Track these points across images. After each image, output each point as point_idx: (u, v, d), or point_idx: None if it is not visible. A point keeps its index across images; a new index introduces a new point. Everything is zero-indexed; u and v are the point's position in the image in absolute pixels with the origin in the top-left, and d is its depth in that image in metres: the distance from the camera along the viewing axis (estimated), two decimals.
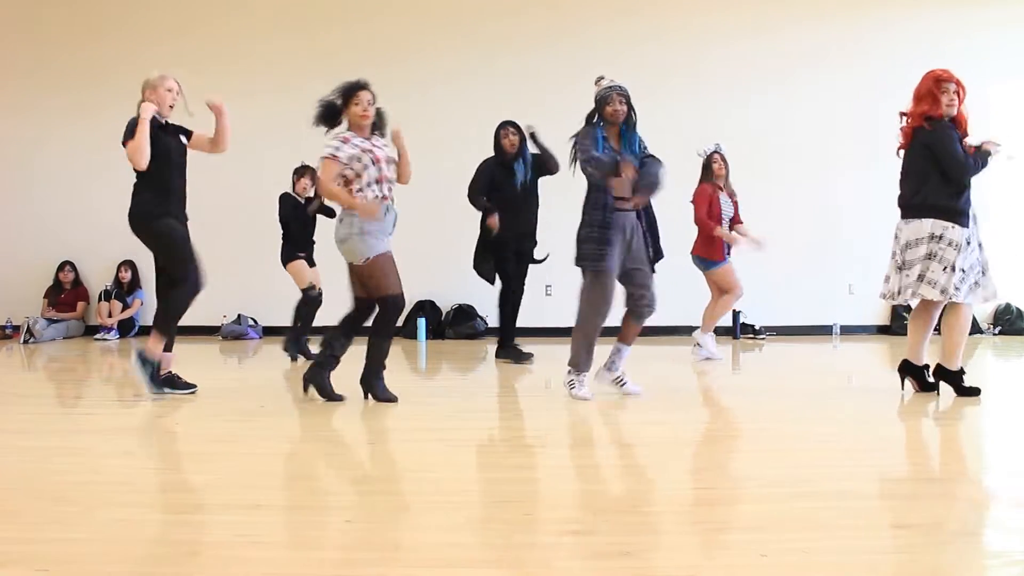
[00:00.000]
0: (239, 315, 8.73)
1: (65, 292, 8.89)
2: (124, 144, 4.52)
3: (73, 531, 2.40)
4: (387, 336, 4.48)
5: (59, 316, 8.73)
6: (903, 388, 4.61)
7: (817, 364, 6.73)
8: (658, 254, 4.55)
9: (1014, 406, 4.61)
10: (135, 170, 4.57)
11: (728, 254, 6.49)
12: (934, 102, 4.41)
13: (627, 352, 4.66)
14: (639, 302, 4.57)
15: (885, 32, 8.94)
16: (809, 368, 6.50)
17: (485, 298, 6.96)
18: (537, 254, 6.48)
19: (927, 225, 4.40)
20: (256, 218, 8.50)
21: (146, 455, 3.54)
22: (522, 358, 6.34)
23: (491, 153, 6.45)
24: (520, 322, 6.75)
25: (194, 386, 4.66)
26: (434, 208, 8.00)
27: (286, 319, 6.94)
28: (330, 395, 4.42)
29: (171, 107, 4.63)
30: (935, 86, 4.44)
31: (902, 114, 4.59)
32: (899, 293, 4.53)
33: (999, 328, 8.77)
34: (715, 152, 6.57)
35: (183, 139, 4.72)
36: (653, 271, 4.54)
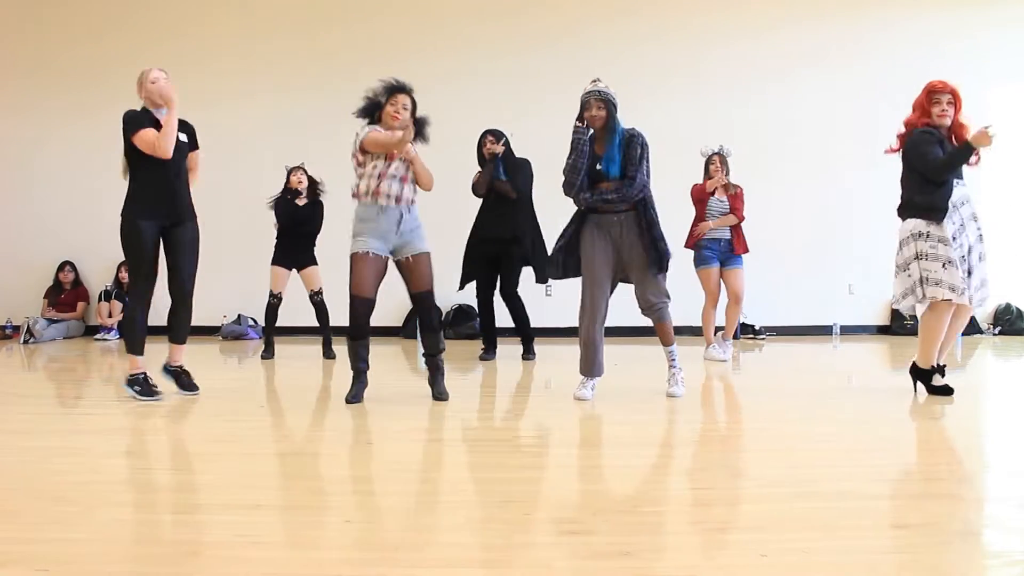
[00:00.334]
0: (239, 315, 8.73)
1: (65, 292, 8.90)
2: (130, 138, 4.44)
3: (73, 531, 2.40)
4: (351, 337, 4.50)
5: (59, 316, 8.74)
6: (915, 391, 4.64)
7: (817, 364, 6.73)
8: (661, 256, 4.50)
9: (1014, 406, 4.61)
10: (129, 169, 4.55)
11: (712, 257, 6.51)
12: (923, 112, 4.51)
13: (668, 352, 4.68)
14: (641, 305, 4.60)
15: (885, 32, 8.95)
16: (809, 368, 6.50)
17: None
18: (532, 265, 6.46)
19: (909, 224, 4.49)
20: (256, 218, 8.50)
21: (146, 455, 3.54)
22: (483, 356, 6.59)
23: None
24: (528, 324, 6.74)
25: (160, 395, 4.61)
26: (434, 208, 7.99)
27: (286, 319, 6.97)
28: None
29: (164, 96, 4.52)
30: (927, 97, 4.52)
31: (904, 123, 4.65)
32: (903, 298, 4.54)
33: (999, 328, 8.77)
34: (715, 154, 6.60)
35: (183, 137, 4.59)
36: (658, 272, 4.53)
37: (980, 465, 3.39)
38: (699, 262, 6.58)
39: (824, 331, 8.71)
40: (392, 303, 8.11)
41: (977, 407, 4.43)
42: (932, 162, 4.40)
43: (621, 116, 4.57)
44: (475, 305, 7.04)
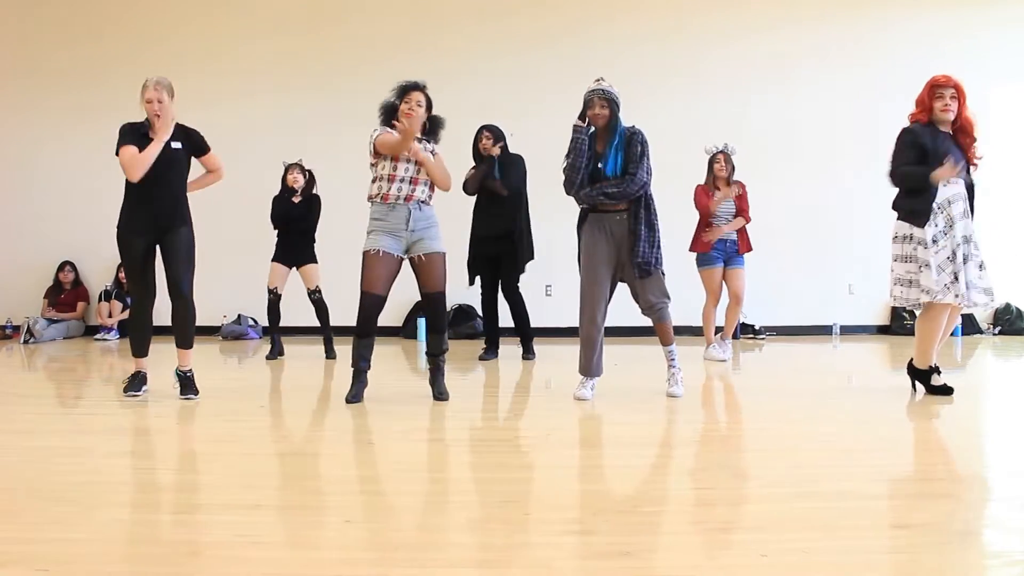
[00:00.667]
0: (239, 315, 8.73)
1: (65, 292, 8.89)
2: (116, 153, 4.53)
3: (73, 531, 2.40)
4: (356, 334, 4.54)
5: (59, 316, 8.73)
6: (914, 390, 4.64)
7: (817, 364, 6.73)
8: (645, 259, 4.47)
9: (1014, 406, 4.61)
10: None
11: (717, 257, 6.52)
12: (925, 108, 4.50)
13: (668, 352, 4.69)
14: (641, 305, 4.63)
15: (885, 32, 8.95)
16: (809, 368, 6.50)
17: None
18: (512, 268, 6.51)
19: (895, 226, 4.55)
20: (256, 218, 8.49)
21: (146, 455, 3.54)
22: (483, 356, 6.61)
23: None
24: (529, 324, 6.76)
25: (138, 395, 4.65)
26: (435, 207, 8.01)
27: (287, 319, 6.97)
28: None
29: (158, 116, 4.53)
30: (929, 92, 4.50)
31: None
32: (891, 295, 4.59)
33: (999, 328, 8.77)
34: (719, 152, 6.60)
35: (176, 145, 4.58)
36: (644, 274, 4.50)
37: (980, 465, 3.39)
38: (703, 262, 6.56)
39: (824, 331, 8.71)
40: (392, 303, 8.04)
41: (977, 407, 4.43)
42: (894, 165, 4.48)
43: (622, 115, 4.57)
44: (476, 305, 7.09)
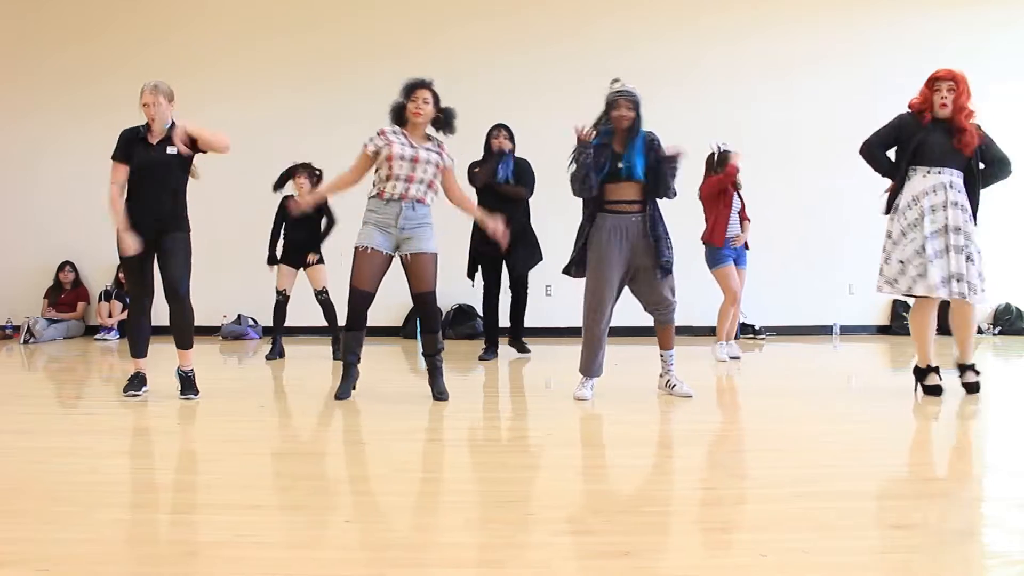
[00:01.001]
0: (239, 315, 8.73)
1: (65, 292, 8.89)
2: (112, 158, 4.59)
3: (73, 531, 2.40)
4: (346, 327, 4.63)
5: (59, 316, 8.73)
6: (915, 391, 4.67)
7: (817, 364, 6.73)
8: (668, 259, 4.55)
9: (1014, 406, 4.61)
10: None
11: (728, 253, 6.52)
12: (924, 100, 4.55)
13: (668, 355, 4.73)
14: (647, 307, 4.64)
15: (885, 32, 8.95)
16: (809, 368, 6.50)
17: (484, 298, 6.98)
18: (519, 265, 6.63)
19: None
20: (255, 218, 8.50)
21: (146, 455, 3.54)
22: (483, 356, 6.65)
23: (478, 156, 6.53)
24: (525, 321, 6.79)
25: (137, 395, 4.66)
26: (434, 208, 8.02)
27: (290, 319, 6.97)
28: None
29: (154, 119, 4.53)
30: (928, 86, 4.55)
31: None
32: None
33: (999, 328, 8.77)
34: (728, 151, 6.60)
35: (172, 150, 4.55)
36: (666, 274, 4.56)
37: (980, 465, 3.39)
38: (718, 260, 6.53)
39: (824, 331, 8.71)
40: (392, 303, 8.12)
41: (977, 407, 4.43)
42: (872, 138, 4.68)
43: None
44: (475, 305, 7.11)
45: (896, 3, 8.99)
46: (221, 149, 4.66)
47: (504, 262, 6.58)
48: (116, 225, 4.54)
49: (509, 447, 3.63)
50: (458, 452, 3.59)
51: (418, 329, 8.13)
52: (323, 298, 6.66)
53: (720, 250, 6.53)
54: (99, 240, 8.66)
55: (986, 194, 4.60)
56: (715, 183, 6.50)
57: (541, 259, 6.70)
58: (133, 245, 4.50)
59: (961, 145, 4.45)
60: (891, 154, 4.68)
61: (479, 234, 6.52)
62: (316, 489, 2.94)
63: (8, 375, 6.30)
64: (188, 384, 4.67)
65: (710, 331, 8.53)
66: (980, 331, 8.74)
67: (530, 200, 6.65)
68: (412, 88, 4.55)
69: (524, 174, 6.52)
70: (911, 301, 4.73)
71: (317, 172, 6.76)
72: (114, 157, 4.59)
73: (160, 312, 4.73)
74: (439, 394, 4.58)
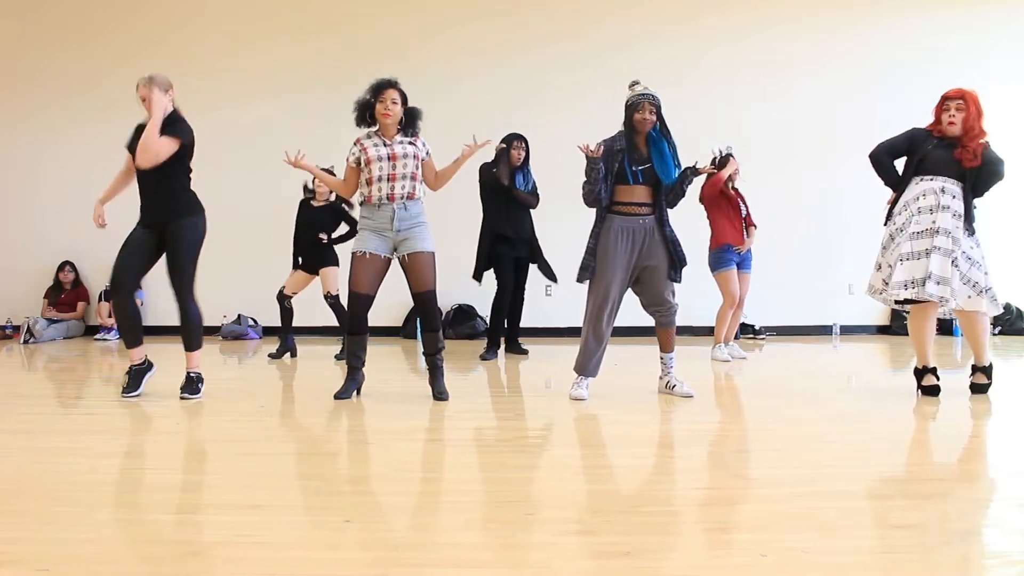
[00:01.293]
0: (239, 315, 8.73)
1: (65, 292, 8.90)
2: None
3: (73, 531, 2.40)
4: (348, 332, 4.69)
5: (59, 316, 8.74)
6: (917, 391, 4.70)
7: (817, 364, 6.73)
8: (682, 260, 4.61)
9: (1014, 406, 4.61)
10: None
11: (732, 257, 6.54)
12: (935, 119, 4.59)
13: (667, 358, 4.75)
14: (648, 308, 4.66)
15: (885, 32, 8.95)
16: (809, 368, 6.50)
17: (485, 298, 7.00)
18: (541, 266, 6.83)
19: None
20: (256, 218, 8.52)
21: (146, 455, 3.54)
22: (485, 355, 6.73)
23: (489, 159, 6.55)
24: (521, 322, 6.82)
25: (133, 394, 4.66)
26: (434, 208, 8.02)
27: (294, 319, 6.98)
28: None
29: (152, 115, 4.52)
30: (938, 104, 4.58)
31: None
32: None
33: (999, 328, 8.77)
34: (730, 156, 6.61)
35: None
36: (673, 278, 4.59)
37: (980, 465, 3.39)
38: (721, 264, 6.55)
39: (824, 331, 8.71)
40: (392, 303, 8.12)
41: (977, 407, 4.43)
42: (883, 145, 4.69)
43: (621, 115, 4.59)
44: (475, 305, 7.12)
45: (896, 3, 8.99)
46: (143, 150, 4.50)
47: (528, 265, 6.72)
48: (152, 123, 4.48)
49: (509, 447, 3.63)
50: (458, 452, 3.59)
51: (418, 328, 8.20)
52: (331, 301, 6.65)
53: (724, 253, 6.54)
54: (99, 240, 8.60)
55: (986, 193, 4.59)
56: (708, 185, 6.53)
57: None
58: (98, 216, 4.64)
59: (960, 157, 4.45)
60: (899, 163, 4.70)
61: (501, 234, 6.54)
62: (316, 489, 2.94)
63: (8, 375, 6.31)
64: (188, 384, 4.67)
65: (710, 331, 8.55)
66: None
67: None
68: (380, 89, 4.56)
69: (535, 191, 6.71)
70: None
71: (334, 174, 6.78)
72: (128, 147, 4.66)
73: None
74: (439, 394, 4.59)
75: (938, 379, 4.63)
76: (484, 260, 6.66)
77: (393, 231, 4.52)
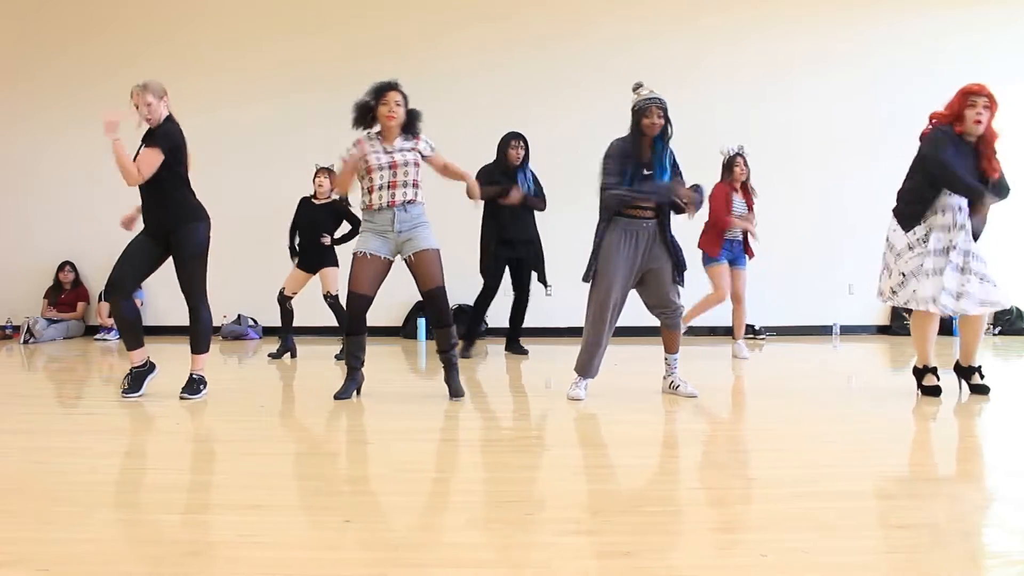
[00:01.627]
0: (239, 315, 8.73)
1: (65, 292, 8.89)
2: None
3: (73, 531, 2.40)
4: (347, 332, 4.66)
5: (59, 316, 8.74)
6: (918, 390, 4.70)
7: (817, 364, 6.73)
8: (683, 264, 4.62)
9: (1014, 406, 4.61)
10: None
11: (723, 255, 6.55)
12: (953, 115, 4.38)
13: (672, 359, 4.74)
14: (653, 310, 4.67)
15: (885, 32, 8.95)
16: (809, 368, 6.50)
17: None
18: (538, 270, 6.79)
19: (888, 225, 4.60)
20: (256, 218, 8.51)
21: (146, 455, 3.54)
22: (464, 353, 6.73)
23: (488, 160, 6.55)
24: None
25: (132, 395, 4.66)
26: (434, 209, 8.02)
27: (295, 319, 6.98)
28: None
29: (148, 119, 4.52)
30: (962, 99, 4.36)
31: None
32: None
33: (999, 328, 8.77)
34: (738, 155, 6.63)
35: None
36: (676, 280, 4.60)
37: (980, 465, 3.39)
38: (711, 259, 6.57)
39: (824, 331, 8.71)
40: (392, 303, 8.12)
41: (977, 407, 4.43)
42: (940, 155, 4.32)
43: (623, 116, 4.59)
44: (472, 304, 7.10)
45: (896, 3, 8.99)
46: (125, 175, 4.50)
47: (525, 267, 6.71)
48: (114, 144, 4.38)
49: (509, 447, 3.63)
50: (458, 452, 3.59)
51: (423, 328, 8.20)
52: (331, 301, 6.65)
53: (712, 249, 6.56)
54: (99, 240, 8.66)
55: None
56: (715, 196, 6.54)
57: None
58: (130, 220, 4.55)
59: (990, 170, 4.36)
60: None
61: (504, 237, 6.54)
62: (316, 489, 2.94)
63: (8, 375, 6.31)
64: (188, 384, 4.67)
65: (709, 331, 8.57)
66: None
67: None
68: (382, 91, 4.52)
69: (540, 186, 6.68)
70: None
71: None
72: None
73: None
74: (455, 393, 4.60)
75: (938, 379, 4.63)
76: (492, 260, 6.63)
77: (395, 232, 4.52)
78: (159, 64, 8.76)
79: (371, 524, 2.53)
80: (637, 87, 4.56)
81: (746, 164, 6.66)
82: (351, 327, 4.60)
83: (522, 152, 6.53)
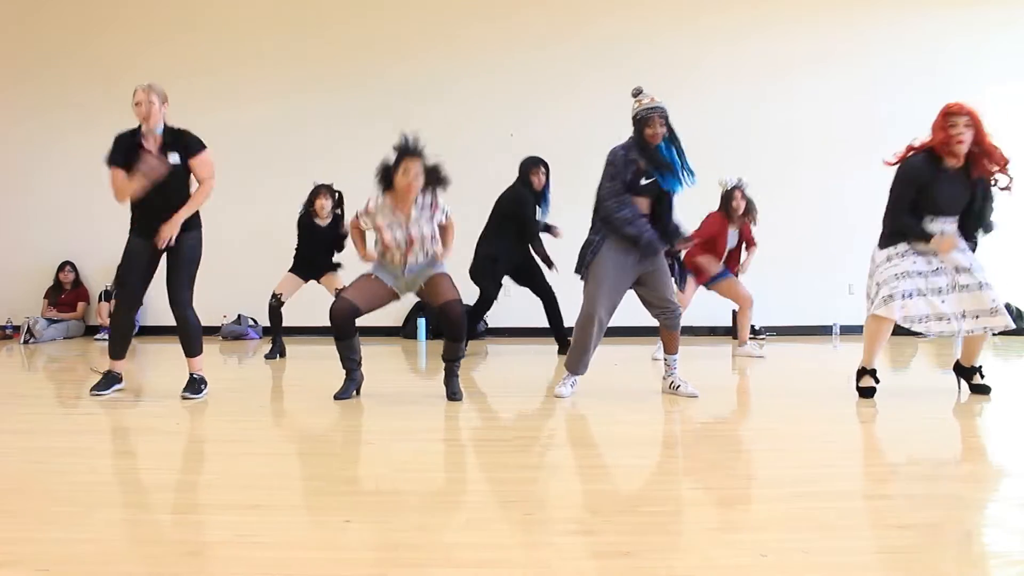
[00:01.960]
0: (239, 315, 8.73)
1: (65, 292, 8.89)
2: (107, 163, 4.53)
3: (73, 531, 2.40)
4: (334, 338, 4.58)
5: (59, 316, 8.74)
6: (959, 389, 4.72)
7: (817, 364, 6.73)
8: (677, 228, 4.64)
9: (1014, 407, 4.61)
10: None
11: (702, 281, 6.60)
12: (936, 136, 4.32)
13: (672, 360, 4.74)
14: (653, 312, 4.67)
15: (885, 32, 8.95)
16: (809, 368, 6.50)
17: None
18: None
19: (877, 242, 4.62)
20: (256, 218, 8.52)
21: (146, 455, 3.54)
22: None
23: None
24: (520, 322, 6.84)
25: (104, 392, 4.70)
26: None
27: (294, 319, 6.98)
28: None
29: (147, 119, 4.47)
30: (942, 120, 4.31)
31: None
32: None
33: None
34: (736, 188, 6.56)
35: (174, 159, 4.50)
36: (676, 278, 4.62)
37: (980, 465, 3.39)
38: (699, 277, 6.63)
39: (824, 331, 8.71)
40: (392, 303, 8.11)
41: (977, 407, 4.43)
42: (895, 207, 4.42)
43: (623, 116, 4.59)
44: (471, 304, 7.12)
45: (896, 3, 8.99)
46: (203, 186, 4.64)
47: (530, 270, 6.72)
48: (135, 184, 4.42)
49: (509, 447, 3.63)
50: (458, 452, 3.59)
51: (423, 328, 8.20)
52: (272, 303, 6.66)
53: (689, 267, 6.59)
54: (99, 240, 8.68)
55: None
56: (707, 224, 6.53)
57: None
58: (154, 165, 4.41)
59: (978, 172, 4.33)
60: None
61: (510, 260, 6.56)
62: (316, 489, 2.94)
63: (8, 375, 6.31)
64: (190, 384, 4.68)
65: (710, 332, 8.57)
66: None
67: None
68: (401, 159, 4.38)
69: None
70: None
71: (337, 192, 6.75)
72: (110, 162, 4.48)
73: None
74: (453, 395, 4.60)
75: (877, 382, 4.60)
76: (491, 272, 6.63)
77: (405, 276, 4.57)
78: (159, 64, 8.77)
79: (371, 524, 2.53)
80: (637, 93, 4.54)
81: (744, 196, 6.56)
82: (336, 332, 4.52)
83: (543, 179, 6.53)
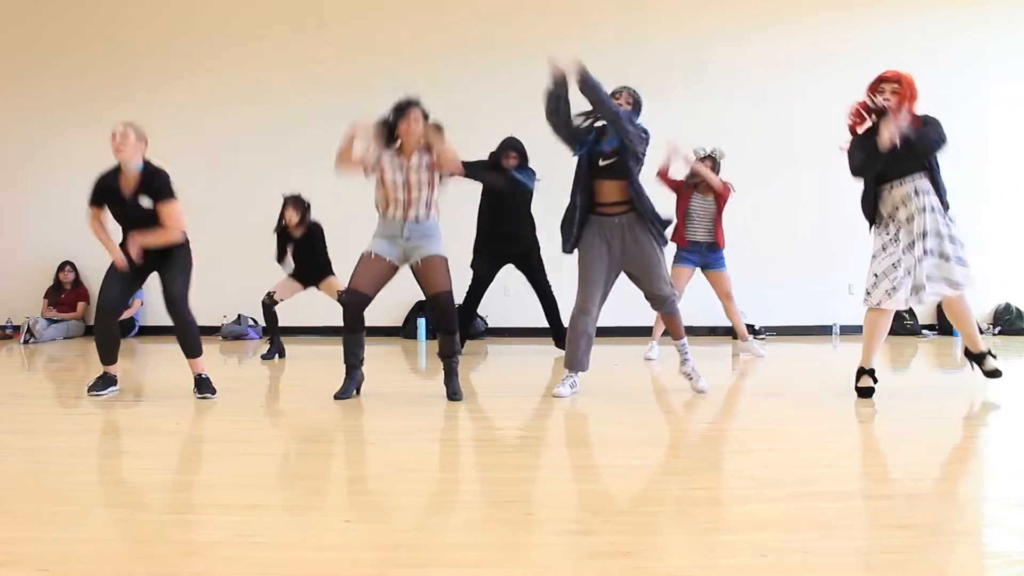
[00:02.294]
0: (239, 315, 8.73)
1: (65, 292, 8.89)
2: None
3: (73, 531, 2.40)
4: (344, 331, 4.61)
5: (59, 316, 8.74)
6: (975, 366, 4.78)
7: (817, 364, 6.73)
8: (664, 224, 4.66)
9: (1014, 407, 4.61)
10: None
11: (686, 259, 6.52)
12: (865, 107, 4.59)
13: (680, 345, 4.76)
14: (650, 298, 4.72)
15: (885, 32, 8.94)
16: (809, 368, 6.50)
17: (485, 298, 6.98)
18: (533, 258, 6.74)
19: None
20: (256, 218, 8.51)
21: (146, 455, 3.53)
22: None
23: (484, 157, 6.57)
24: (519, 322, 6.82)
25: (102, 392, 4.74)
26: (445, 214, 8.04)
27: (286, 319, 6.97)
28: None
29: (118, 151, 4.50)
30: (872, 86, 4.55)
31: None
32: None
33: (999, 328, 8.77)
34: (707, 156, 6.52)
35: (147, 204, 4.56)
36: (661, 246, 4.64)
37: (980, 465, 3.39)
38: (674, 261, 6.50)
39: (824, 331, 8.70)
40: (392, 303, 8.11)
41: (977, 408, 4.43)
42: (853, 166, 4.65)
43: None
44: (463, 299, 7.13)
45: (896, 3, 8.98)
46: (164, 231, 4.62)
47: (524, 263, 6.69)
48: (108, 251, 4.64)
49: (509, 447, 3.63)
50: (458, 452, 3.59)
51: (423, 328, 8.20)
52: (265, 300, 6.68)
53: (678, 252, 6.51)
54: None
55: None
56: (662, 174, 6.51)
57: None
58: (123, 263, 4.57)
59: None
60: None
61: (496, 233, 6.55)
62: (316, 489, 2.94)
63: (8, 375, 6.31)
64: (203, 384, 4.70)
65: (710, 332, 8.57)
66: (980, 331, 8.73)
67: (528, 207, 6.71)
68: (403, 108, 4.52)
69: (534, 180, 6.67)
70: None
71: (305, 203, 6.74)
72: (90, 203, 4.69)
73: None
74: (453, 394, 4.61)
75: (875, 382, 4.61)
76: (482, 253, 6.64)
77: (403, 239, 4.55)
78: (159, 64, 8.78)
79: (371, 524, 2.53)
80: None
81: (714, 167, 6.49)
82: (347, 326, 4.58)
83: (514, 161, 6.53)
